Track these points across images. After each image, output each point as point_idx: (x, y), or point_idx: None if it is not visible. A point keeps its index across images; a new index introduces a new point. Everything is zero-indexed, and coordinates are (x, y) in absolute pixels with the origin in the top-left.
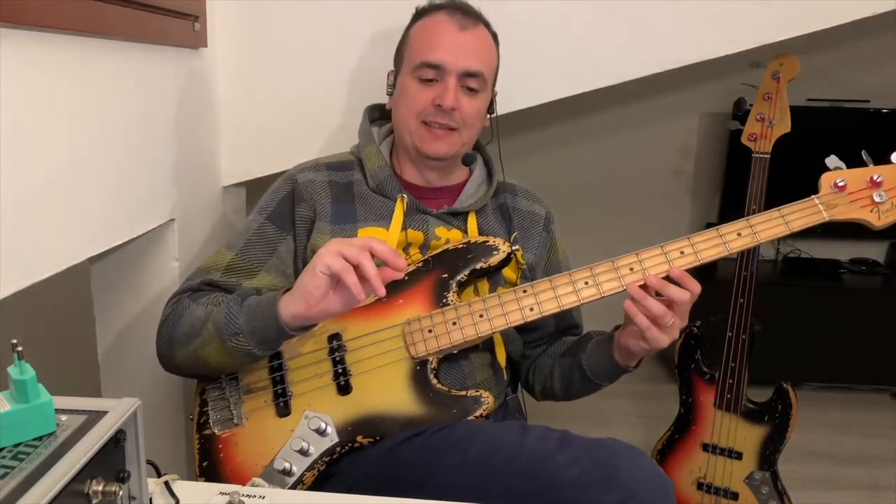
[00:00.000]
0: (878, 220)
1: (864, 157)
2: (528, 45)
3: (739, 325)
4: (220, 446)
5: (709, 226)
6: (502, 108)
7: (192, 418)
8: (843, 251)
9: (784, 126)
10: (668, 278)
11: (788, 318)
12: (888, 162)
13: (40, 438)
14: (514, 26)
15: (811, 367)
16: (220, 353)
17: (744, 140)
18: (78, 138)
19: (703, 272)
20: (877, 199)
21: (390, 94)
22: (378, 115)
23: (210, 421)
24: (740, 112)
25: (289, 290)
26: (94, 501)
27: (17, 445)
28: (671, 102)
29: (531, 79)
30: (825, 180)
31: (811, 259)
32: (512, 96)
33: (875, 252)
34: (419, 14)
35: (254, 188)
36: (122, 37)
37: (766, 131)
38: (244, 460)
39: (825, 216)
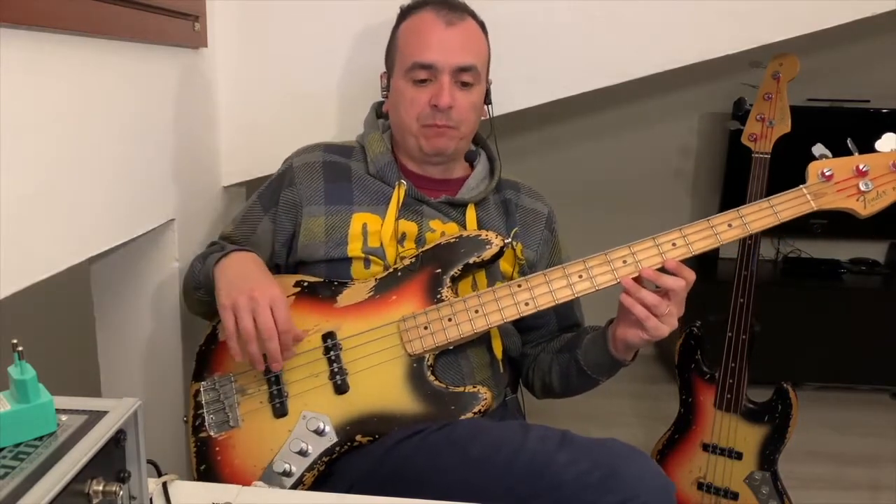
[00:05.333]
0: (863, 209)
1: (849, 145)
2: (528, 45)
3: (739, 325)
4: (217, 449)
5: None
6: (502, 108)
7: (186, 420)
8: (843, 251)
9: (784, 126)
10: (663, 269)
11: (788, 318)
12: (873, 150)
13: (41, 438)
14: (513, 26)
15: (811, 367)
16: (201, 303)
17: (744, 140)
18: (78, 138)
19: (702, 272)
20: (862, 188)
21: (385, 97)
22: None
23: (206, 424)
24: (740, 112)
25: (243, 250)
26: (95, 501)
27: (17, 445)
28: (671, 102)
29: (531, 79)
30: (812, 169)
31: (811, 259)
32: (512, 96)
33: (875, 252)
34: (404, 13)
35: (254, 188)
36: (122, 37)
37: (766, 131)
38: (242, 463)
39: (813, 206)
